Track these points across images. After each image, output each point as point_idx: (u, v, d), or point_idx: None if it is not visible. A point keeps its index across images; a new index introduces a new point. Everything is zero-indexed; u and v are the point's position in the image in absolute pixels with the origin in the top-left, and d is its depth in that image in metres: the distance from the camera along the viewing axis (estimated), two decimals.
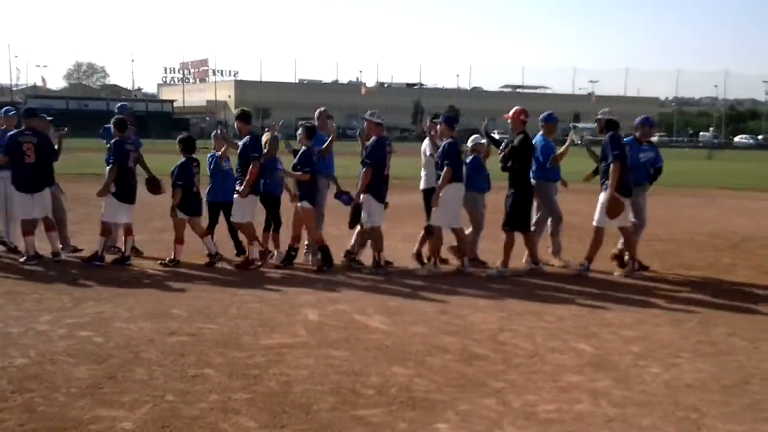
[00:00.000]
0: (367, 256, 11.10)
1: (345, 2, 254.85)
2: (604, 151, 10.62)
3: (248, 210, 10.89)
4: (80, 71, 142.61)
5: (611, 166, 10.40)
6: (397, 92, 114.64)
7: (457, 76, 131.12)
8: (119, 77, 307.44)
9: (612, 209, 10.44)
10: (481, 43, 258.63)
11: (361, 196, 10.62)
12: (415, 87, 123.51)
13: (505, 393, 5.99)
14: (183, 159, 11.05)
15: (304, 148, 10.82)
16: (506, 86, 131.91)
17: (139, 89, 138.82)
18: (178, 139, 11.37)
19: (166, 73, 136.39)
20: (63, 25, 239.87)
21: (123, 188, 10.89)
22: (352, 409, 5.59)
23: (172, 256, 10.91)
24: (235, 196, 10.79)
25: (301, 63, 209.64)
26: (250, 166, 10.61)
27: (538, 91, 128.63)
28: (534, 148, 10.98)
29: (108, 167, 10.89)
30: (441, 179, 10.49)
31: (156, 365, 6.45)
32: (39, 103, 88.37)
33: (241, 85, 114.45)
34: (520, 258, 11.00)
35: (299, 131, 10.94)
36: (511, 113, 11.00)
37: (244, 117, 11.21)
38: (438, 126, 11.10)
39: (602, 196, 10.64)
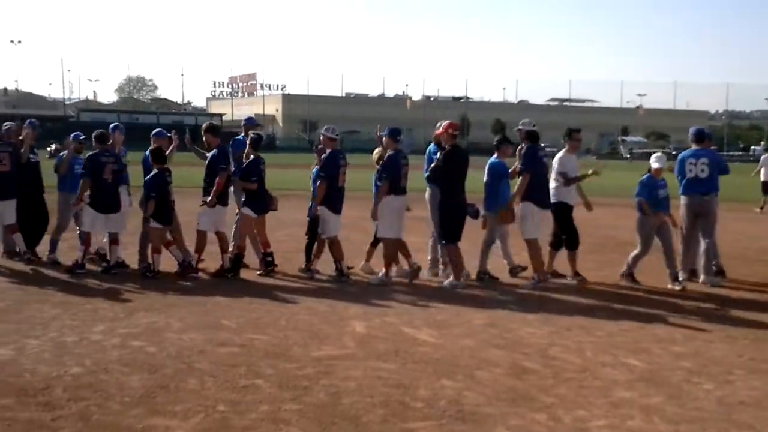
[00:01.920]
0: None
1: (392, 17, 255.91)
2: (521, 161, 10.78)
3: (211, 220, 11.19)
4: (131, 85, 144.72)
5: (520, 177, 10.66)
6: (444, 106, 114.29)
7: (504, 89, 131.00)
8: (169, 91, 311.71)
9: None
10: (527, 56, 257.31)
11: (318, 208, 11.00)
12: (461, 101, 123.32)
13: (555, 408, 5.95)
14: (155, 170, 11.16)
15: (252, 157, 11.24)
16: (553, 99, 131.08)
17: (189, 103, 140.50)
18: (148, 150, 11.45)
19: (215, 87, 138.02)
20: (114, 40, 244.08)
21: (99, 199, 11.23)
22: (401, 421, 5.60)
23: (152, 267, 11.03)
24: (202, 206, 11.15)
25: (347, 77, 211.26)
26: (217, 177, 10.94)
27: (585, 104, 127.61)
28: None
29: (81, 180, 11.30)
30: (378, 192, 10.85)
31: (208, 375, 6.53)
32: (90, 116, 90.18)
33: (288, 99, 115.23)
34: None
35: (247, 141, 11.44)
36: (440, 128, 11.02)
37: (212, 130, 11.56)
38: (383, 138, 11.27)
39: (518, 209, 10.81)
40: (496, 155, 11.37)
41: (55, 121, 79.29)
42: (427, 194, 11.36)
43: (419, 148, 16.58)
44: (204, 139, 11.53)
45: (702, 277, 11.21)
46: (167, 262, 11.07)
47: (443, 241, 10.85)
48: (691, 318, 9.19)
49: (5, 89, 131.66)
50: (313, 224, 11.11)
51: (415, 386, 6.37)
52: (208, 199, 11.03)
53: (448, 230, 10.70)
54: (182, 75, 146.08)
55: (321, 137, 11.57)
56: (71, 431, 5.30)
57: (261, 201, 11.29)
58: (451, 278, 10.75)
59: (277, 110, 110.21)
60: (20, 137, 12.13)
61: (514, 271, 11.40)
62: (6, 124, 12.82)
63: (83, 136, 12.18)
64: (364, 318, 8.76)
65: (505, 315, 9.10)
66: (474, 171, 11.28)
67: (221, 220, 11.34)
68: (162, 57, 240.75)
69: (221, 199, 11.13)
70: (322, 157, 11.18)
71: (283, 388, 6.26)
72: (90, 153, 11.51)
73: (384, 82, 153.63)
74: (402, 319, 8.72)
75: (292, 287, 10.54)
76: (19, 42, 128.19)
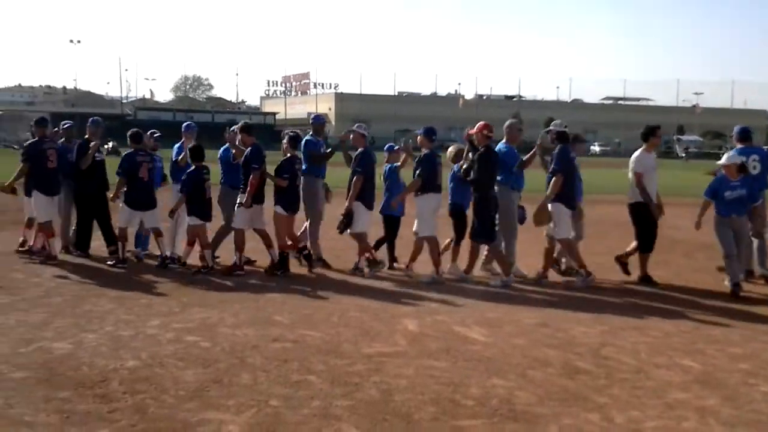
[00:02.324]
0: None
1: (444, 16, 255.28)
2: (553, 161, 10.74)
3: (246, 217, 11.20)
4: (186, 84, 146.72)
5: (553, 178, 10.57)
6: (496, 104, 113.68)
7: (557, 88, 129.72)
8: (224, 90, 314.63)
9: (538, 217, 10.72)
10: (581, 55, 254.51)
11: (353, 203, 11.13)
12: (514, 99, 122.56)
13: (608, 408, 5.89)
14: (193, 167, 11.37)
15: (289, 155, 11.30)
16: (607, 98, 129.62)
17: (243, 102, 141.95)
18: (188, 149, 11.68)
19: (268, 86, 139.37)
20: (171, 40, 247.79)
21: (135, 196, 11.56)
22: (452, 419, 5.59)
23: (208, 263, 11.30)
24: (239, 207, 11.17)
25: (400, 76, 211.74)
26: (251, 177, 10.96)
27: (640, 103, 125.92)
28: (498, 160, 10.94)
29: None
30: (409, 186, 11.11)
31: (260, 370, 6.59)
32: (147, 115, 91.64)
33: (341, 98, 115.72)
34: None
35: (284, 141, 11.42)
36: (475, 128, 11.00)
37: (247, 129, 11.60)
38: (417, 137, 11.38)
39: (552, 209, 10.71)
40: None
41: (112, 120, 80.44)
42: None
43: None
44: (239, 138, 11.63)
45: (758, 269, 10.99)
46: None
47: (480, 240, 10.89)
48: (748, 319, 9.02)
49: (64, 88, 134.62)
50: (348, 218, 11.17)
51: (466, 384, 6.35)
52: (244, 199, 11.08)
53: (486, 230, 10.74)
54: (237, 74, 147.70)
55: (352, 134, 11.70)
56: (128, 423, 5.39)
57: (292, 199, 11.31)
58: (501, 276, 10.77)
59: (329, 109, 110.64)
60: (86, 136, 12.35)
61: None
62: (64, 123, 13.07)
63: (158, 134, 12.33)
64: (415, 316, 8.77)
65: (557, 314, 9.03)
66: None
67: (258, 217, 11.39)
68: (217, 57, 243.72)
69: (257, 197, 11.18)
70: (357, 153, 11.32)
71: (335, 384, 6.30)
72: (126, 152, 11.75)
73: (436, 81, 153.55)
74: (453, 318, 8.71)
75: (342, 284, 10.59)
76: (79, 42, 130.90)
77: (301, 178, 11.54)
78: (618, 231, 14.20)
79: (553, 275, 11.19)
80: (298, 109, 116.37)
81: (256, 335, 7.73)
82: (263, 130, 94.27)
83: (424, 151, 11.12)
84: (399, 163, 11.73)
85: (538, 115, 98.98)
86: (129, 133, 11.89)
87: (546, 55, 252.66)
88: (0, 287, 9.84)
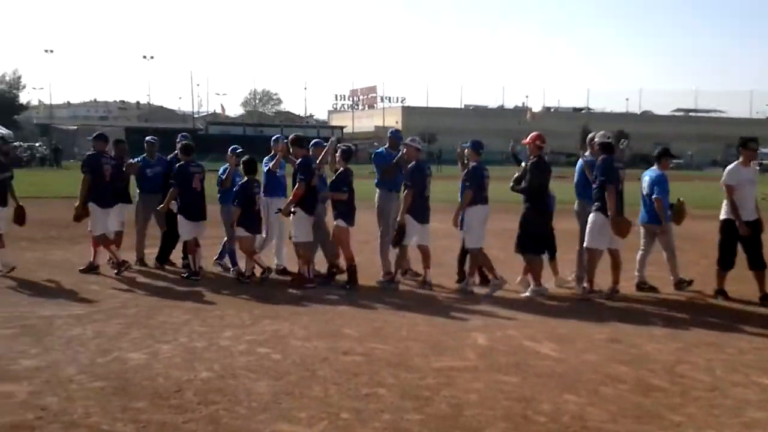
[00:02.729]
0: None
1: (512, 28, 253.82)
2: (595, 173, 10.58)
3: (304, 229, 11.28)
4: (256, 99, 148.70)
5: (605, 191, 10.37)
6: (564, 117, 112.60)
7: (627, 100, 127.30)
8: (292, 104, 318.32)
9: (618, 229, 10.42)
10: (651, 66, 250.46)
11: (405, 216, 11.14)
12: (582, 111, 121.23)
13: (684, 427, 5.77)
14: (245, 179, 11.62)
15: (342, 169, 11.33)
16: (678, 110, 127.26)
17: (311, 116, 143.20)
18: (241, 161, 11.89)
19: (336, 100, 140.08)
20: (241, 55, 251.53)
21: (189, 208, 11.79)
22: None
23: (244, 270, 11.71)
24: (276, 213, 11.73)
25: (467, 89, 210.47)
26: (294, 188, 11.19)
27: (712, 114, 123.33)
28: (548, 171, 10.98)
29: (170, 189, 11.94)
30: (462, 200, 11.02)
31: (331, 383, 6.64)
32: (218, 129, 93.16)
33: (408, 111, 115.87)
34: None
35: (337, 153, 11.53)
36: (528, 138, 11.03)
37: (297, 141, 11.75)
38: (465, 150, 11.56)
39: (591, 217, 10.63)
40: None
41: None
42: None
43: None
44: (290, 150, 11.79)
45: None
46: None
47: (522, 252, 10.90)
48: None
49: (138, 103, 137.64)
50: (401, 232, 11.19)
51: (537, 400, 6.30)
52: (285, 208, 11.33)
53: (531, 241, 10.78)
54: (305, 89, 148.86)
55: (405, 147, 11.64)
56: None
57: (351, 212, 11.40)
58: (532, 286, 10.82)
59: (396, 122, 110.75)
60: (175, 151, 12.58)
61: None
62: (149, 138, 13.32)
63: (240, 149, 12.52)
64: (485, 330, 8.73)
65: (629, 330, 8.88)
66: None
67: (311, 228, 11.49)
68: (286, 71, 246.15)
69: (307, 208, 11.27)
70: (409, 166, 11.35)
71: (405, 397, 6.31)
72: (179, 164, 12.00)
73: (503, 93, 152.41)
74: (523, 333, 8.65)
75: (411, 298, 10.61)
76: (152, 58, 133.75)
77: (377, 191, 11.70)
78: (690, 244, 13.92)
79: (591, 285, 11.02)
80: (365, 122, 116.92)
81: (326, 348, 7.79)
82: None
83: (472, 163, 11.18)
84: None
85: (607, 128, 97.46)
86: (180, 146, 12.17)
87: (615, 67, 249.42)
88: (78, 299, 10.11)
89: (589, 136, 11.39)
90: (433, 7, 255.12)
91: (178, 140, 12.50)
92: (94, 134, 12.98)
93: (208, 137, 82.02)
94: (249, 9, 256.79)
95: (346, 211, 11.30)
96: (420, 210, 11.23)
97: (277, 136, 12.89)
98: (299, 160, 11.42)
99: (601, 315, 9.65)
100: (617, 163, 10.70)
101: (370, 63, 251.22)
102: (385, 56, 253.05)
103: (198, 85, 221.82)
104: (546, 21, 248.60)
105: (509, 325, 9.02)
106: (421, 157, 11.55)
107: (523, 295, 10.74)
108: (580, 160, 11.34)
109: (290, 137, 12.05)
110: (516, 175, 11.12)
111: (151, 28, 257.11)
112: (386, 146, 12.34)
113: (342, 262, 11.52)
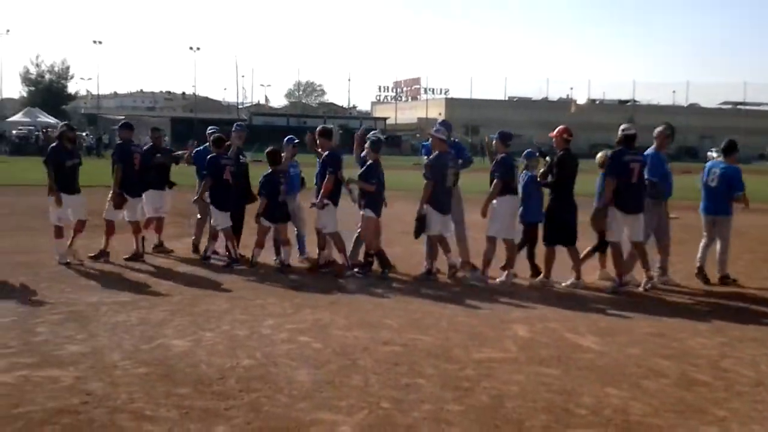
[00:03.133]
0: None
1: (556, 19, 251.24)
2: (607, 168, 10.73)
3: (333, 220, 11.55)
4: (300, 90, 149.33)
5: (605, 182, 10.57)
6: (609, 109, 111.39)
7: (673, 92, 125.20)
8: (336, 95, 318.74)
9: (595, 222, 10.74)
10: (699, 58, 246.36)
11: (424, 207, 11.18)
12: (628, 104, 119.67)
13: (728, 422, 5.70)
14: (269, 171, 11.74)
15: (371, 161, 11.39)
16: (726, 103, 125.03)
17: (354, 107, 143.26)
18: (265, 152, 12.00)
19: (380, 91, 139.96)
20: (285, 47, 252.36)
21: (220, 198, 11.98)
22: (565, 428, 5.52)
23: (251, 258, 11.85)
24: (312, 207, 11.70)
25: (511, 80, 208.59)
26: (324, 180, 11.34)
27: (761, 107, 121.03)
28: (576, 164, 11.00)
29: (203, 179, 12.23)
30: (491, 190, 11.05)
31: (371, 373, 6.66)
32: (262, 120, 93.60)
33: (451, 103, 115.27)
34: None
35: (366, 144, 11.57)
36: (555, 132, 11.14)
37: (325, 134, 11.84)
38: (493, 141, 11.59)
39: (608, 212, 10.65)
40: (722, 159, 11.39)
41: (228, 125, 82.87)
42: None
43: (582, 152, 16.18)
44: (318, 142, 11.85)
45: None
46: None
47: (554, 244, 10.92)
48: None
49: (183, 93, 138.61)
50: (421, 223, 11.24)
51: (578, 393, 6.26)
52: (317, 201, 11.43)
53: (552, 234, 10.85)
54: (349, 80, 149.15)
55: (430, 138, 11.67)
56: (243, 421, 5.53)
57: (379, 203, 11.48)
58: (542, 276, 10.98)
59: (440, 114, 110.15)
60: (227, 143, 12.68)
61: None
62: (210, 128, 13.31)
63: (297, 140, 12.58)
64: (526, 322, 8.69)
65: (673, 324, 8.79)
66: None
67: (336, 219, 11.67)
68: (330, 62, 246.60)
69: (333, 199, 11.46)
70: (430, 157, 11.39)
71: (445, 388, 6.31)
72: (211, 156, 12.17)
73: (548, 85, 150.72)
74: (565, 325, 8.59)
75: (451, 289, 10.59)
76: (198, 49, 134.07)
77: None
78: (735, 238, 13.69)
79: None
80: (408, 114, 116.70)
81: (367, 338, 7.81)
82: None
83: (501, 155, 11.19)
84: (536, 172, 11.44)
85: (654, 120, 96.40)
86: (212, 138, 12.30)
87: (661, 59, 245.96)
88: (123, 287, 10.27)
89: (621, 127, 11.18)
90: None
91: (208, 132, 12.65)
92: (120, 123, 13.17)
93: (252, 128, 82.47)
94: (294, 0, 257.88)
95: (375, 202, 11.37)
96: (440, 201, 11.19)
97: (290, 137, 12.90)
98: (326, 152, 11.53)
99: (645, 309, 9.54)
100: (631, 156, 10.58)
101: (414, 54, 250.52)
102: (429, 48, 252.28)
103: (243, 76, 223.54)
104: (592, 12, 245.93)
105: (551, 318, 8.97)
106: (445, 148, 11.38)
107: (565, 284, 10.73)
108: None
109: (318, 129, 12.12)
110: (542, 169, 11.14)
111: (198, 19, 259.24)
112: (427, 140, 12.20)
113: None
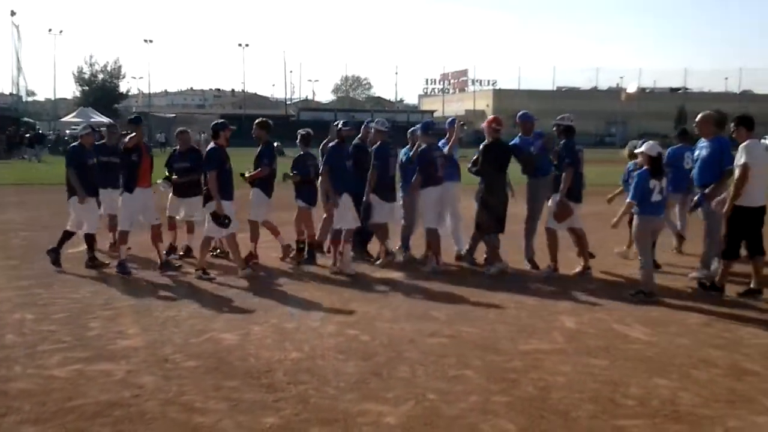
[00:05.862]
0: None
1: (605, 9, 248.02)
2: (559, 157, 10.78)
3: (261, 210, 11.76)
4: (347, 84, 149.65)
5: (563, 173, 10.59)
6: (660, 97, 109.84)
7: (726, 79, 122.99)
8: (382, 89, 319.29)
9: (560, 214, 10.73)
10: (753, 45, 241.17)
11: (370, 196, 11.50)
12: (680, 92, 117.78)
13: None
14: (300, 153, 12.05)
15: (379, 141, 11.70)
16: None
17: (401, 100, 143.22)
18: (299, 133, 12.18)
19: (427, 84, 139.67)
20: (333, 42, 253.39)
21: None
22: (612, 419, 5.50)
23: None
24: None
25: (559, 70, 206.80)
26: (369, 173, 11.50)
27: None
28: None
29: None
30: (413, 184, 11.47)
31: (418, 364, 6.69)
32: (309, 115, 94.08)
33: (499, 95, 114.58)
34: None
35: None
36: (485, 122, 11.41)
37: (263, 125, 11.84)
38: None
39: (550, 202, 10.94)
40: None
41: (277, 120, 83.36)
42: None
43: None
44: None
45: None
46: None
47: (488, 233, 11.10)
48: None
49: (233, 90, 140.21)
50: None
51: (626, 383, 6.23)
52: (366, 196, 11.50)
53: (488, 223, 11.03)
54: (396, 73, 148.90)
55: (372, 130, 11.97)
56: (291, 412, 5.61)
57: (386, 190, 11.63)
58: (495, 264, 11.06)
59: (487, 105, 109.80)
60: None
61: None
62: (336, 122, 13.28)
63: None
64: (574, 313, 8.65)
65: (723, 314, 8.68)
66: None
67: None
68: (377, 56, 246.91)
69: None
70: (373, 148, 11.67)
71: (492, 380, 6.32)
72: (299, 154, 12.15)
73: (597, 74, 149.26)
74: (613, 316, 8.53)
75: (498, 282, 10.56)
76: (247, 46, 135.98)
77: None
78: None
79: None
80: (455, 106, 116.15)
81: (413, 330, 7.84)
82: None
83: (422, 145, 11.38)
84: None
85: (705, 108, 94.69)
86: (300, 134, 12.19)
87: (713, 45, 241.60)
88: (174, 281, 10.43)
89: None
90: None
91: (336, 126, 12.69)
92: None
93: (300, 123, 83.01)
94: None
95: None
96: (382, 189, 11.47)
97: (341, 119, 12.79)
98: (375, 145, 11.65)
99: (695, 299, 9.43)
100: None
101: (462, 46, 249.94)
102: (476, 39, 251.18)
103: (291, 71, 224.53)
104: (640, 1, 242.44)
105: (598, 309, 8.92)
106: (384, 138, 11.72)
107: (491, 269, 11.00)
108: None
109: (338, 123, 12.05)
110: (474, 157, 11.28)
111: (246, 15, 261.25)
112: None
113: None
